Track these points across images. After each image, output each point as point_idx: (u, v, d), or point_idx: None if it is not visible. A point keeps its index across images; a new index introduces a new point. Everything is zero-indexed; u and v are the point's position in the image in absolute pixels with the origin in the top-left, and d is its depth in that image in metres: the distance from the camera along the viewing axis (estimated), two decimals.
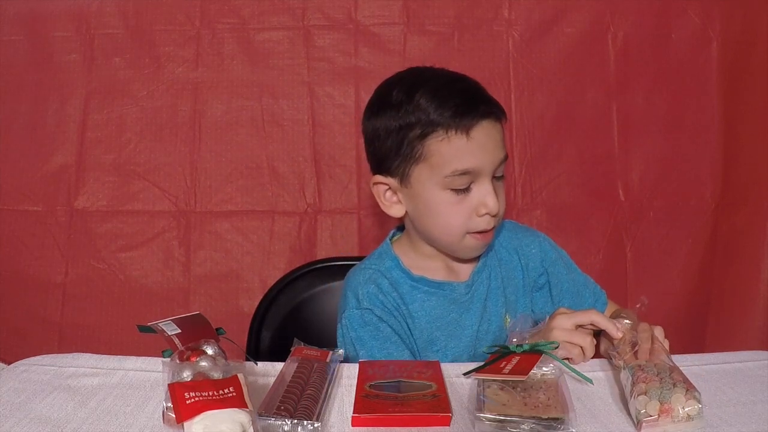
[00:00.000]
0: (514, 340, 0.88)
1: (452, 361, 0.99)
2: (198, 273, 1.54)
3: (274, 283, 1.35)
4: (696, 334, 1.61)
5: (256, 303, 1.34)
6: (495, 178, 1.01)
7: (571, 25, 1.57)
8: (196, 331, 0.78)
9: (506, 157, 1.03)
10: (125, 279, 1.54)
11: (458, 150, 0.97)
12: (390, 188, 1.06)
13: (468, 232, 1.02)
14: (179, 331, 0.77)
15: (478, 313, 1.07)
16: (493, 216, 1.00)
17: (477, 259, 1.10)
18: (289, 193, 1.56)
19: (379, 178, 1.06)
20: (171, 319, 0.78)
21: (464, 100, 0.99)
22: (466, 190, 0.99)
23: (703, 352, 1.35)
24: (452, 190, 0.99)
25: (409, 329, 1.04)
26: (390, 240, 1.14)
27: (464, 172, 0.98)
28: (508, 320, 1.08)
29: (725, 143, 1.60)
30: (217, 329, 0.81)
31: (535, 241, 1.15)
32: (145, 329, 0.78)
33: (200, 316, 0.80)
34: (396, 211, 1.07)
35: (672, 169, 1.59)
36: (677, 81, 1.59)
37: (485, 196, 0.99)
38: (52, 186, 1.56)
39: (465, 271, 1.09)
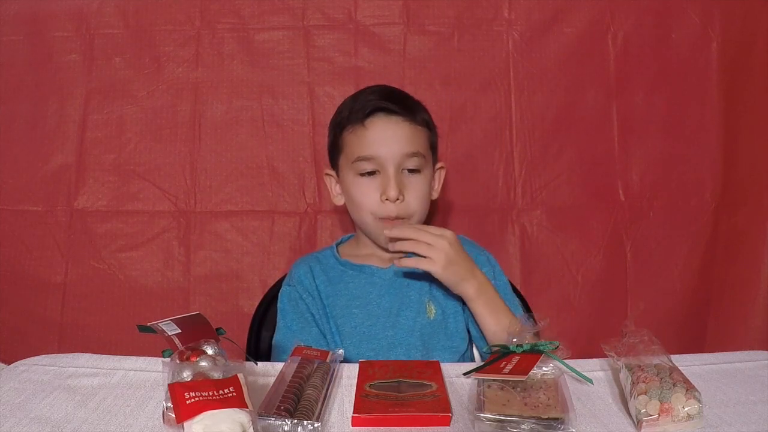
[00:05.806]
0: (514, 340, 0.88)
1: (370, 337, 1.13)
2: (198, 273, 1.54)
3: (274, 283, 1.35)
4: (696, 334, 1.60)
5: (256, 303, 1.35)
6: (409, 172, 1.15)
7: (571, 25, 1.57)
8: (196, 331, 0.78)
9: (416, 154, 1.14)
10: (125, 279, 1.54)
11: (359, 139, 1.15)
12: (336, 181, 1.23)
13: (378, 217, 1.15)
14: (179, 331, 0.77)
15: (397, 298, 1.16)
16: (393, 202, 1.12)
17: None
18: (289, 193, 1.56)
19: (327, 171, 1.26)
20: (171, 319, 0.78)
21: (369, 100, 1.16)
22: (372, 176, 1.14)
23: (703, 352, 1.34)
24: (360, 175, 1.15)
25: (326, 311, 1.17)
26: (342, 237, 1.31)
27: (365, 159, 1.14)
28: (433, 310, 1.15)
29: (725, 143, 1.59)
30: (217, 329, 0.81)
31: (479, 257, 1.17)
32: (145, 329, 0.78)
33: (200, 316, 0.79)
34: (338, 200, 1.25)
35: (672, 169, 1.59)
36: (677, 81, 1.59)
37: (385, 183, 1.13)
38: (52, 186, 1.56)
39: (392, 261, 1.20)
